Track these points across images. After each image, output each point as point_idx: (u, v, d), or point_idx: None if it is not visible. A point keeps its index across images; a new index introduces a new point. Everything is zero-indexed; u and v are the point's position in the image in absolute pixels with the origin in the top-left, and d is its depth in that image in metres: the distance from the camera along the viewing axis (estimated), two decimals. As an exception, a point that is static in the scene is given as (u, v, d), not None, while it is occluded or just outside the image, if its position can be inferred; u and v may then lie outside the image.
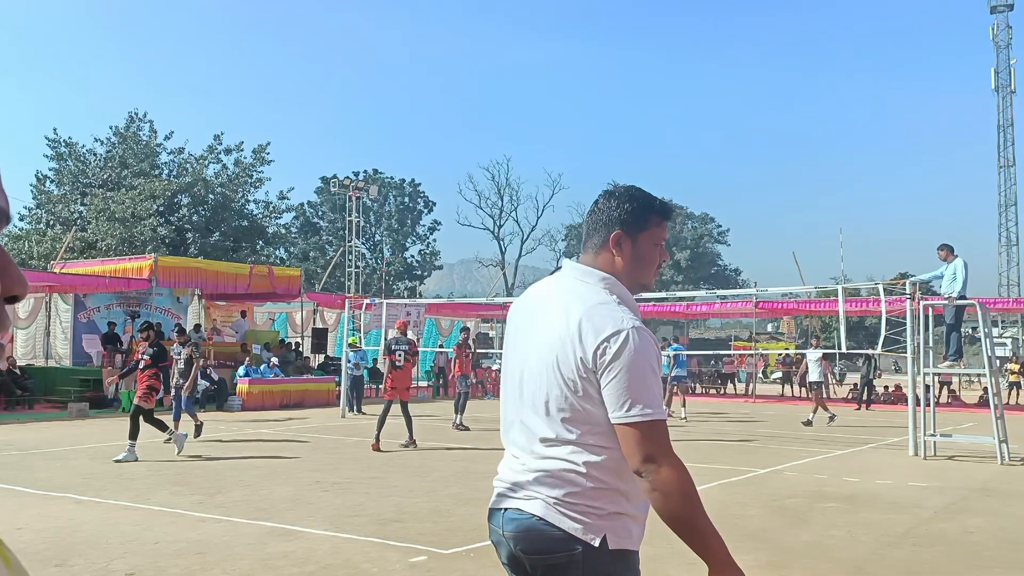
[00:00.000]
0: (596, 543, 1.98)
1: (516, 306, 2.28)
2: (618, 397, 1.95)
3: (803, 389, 29.58)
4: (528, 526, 2.04)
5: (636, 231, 2.14)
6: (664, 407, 2.00)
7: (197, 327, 23.86)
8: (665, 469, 1.91)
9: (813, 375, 18.32)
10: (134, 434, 10.83)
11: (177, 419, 12.76)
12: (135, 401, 11.30)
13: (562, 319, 2.05)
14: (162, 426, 11.38)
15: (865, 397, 23.90)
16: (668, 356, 18.54)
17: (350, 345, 20.15)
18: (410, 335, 27.34)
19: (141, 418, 11.01)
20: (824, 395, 18.67)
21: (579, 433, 2.02)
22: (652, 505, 1.95)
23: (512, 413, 2.17)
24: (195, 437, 12.55)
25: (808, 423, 17.04)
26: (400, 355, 12.97)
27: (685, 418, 18.41)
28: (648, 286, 2.24)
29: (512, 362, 2.20)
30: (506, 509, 2.10)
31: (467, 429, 15.12)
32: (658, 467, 1.91)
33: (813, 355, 18.31)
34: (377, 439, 12.12)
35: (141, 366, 11.55)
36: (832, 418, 17.34)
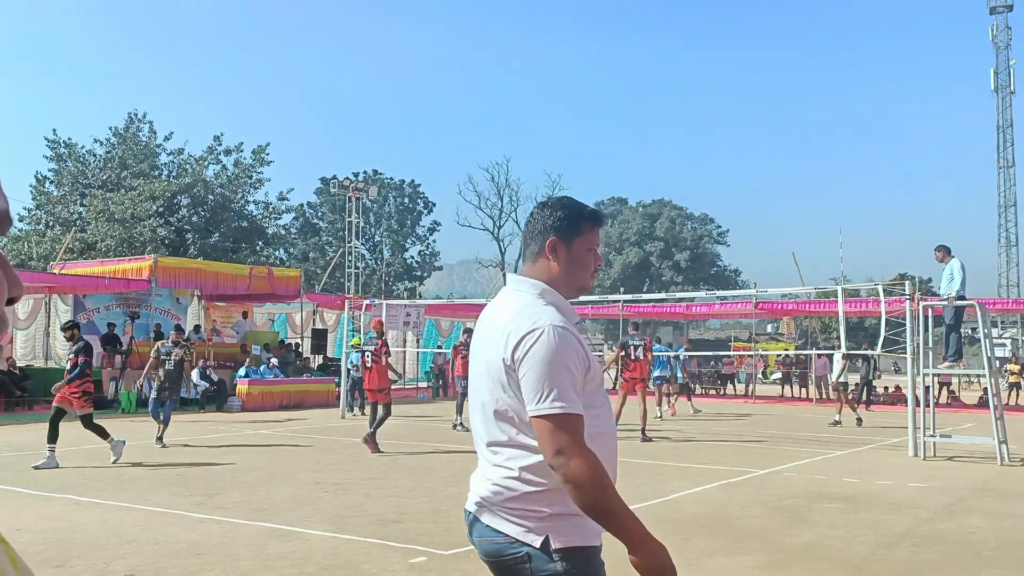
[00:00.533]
0: (538, 544, 2.07)
1: (477, 324, 2.41)
2: (531, 391, 2.03)
3: (804, 390, 29.63)
4: (481, 532, 2.18)
5: (570, 237, 2.27)
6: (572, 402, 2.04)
7: (197, 328, 23.88)
8: (575, 461, 1.97)
9: (840, 375, 18.43)
10: (103, 435, 10.64)
11: (166, 423, 12.52)
12: (77, 411, 10.71)
13: (495, 327, 2.20)
14: (104, 433, 10.68)
15: (864, 397, 23.91)
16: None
17: (353, 346, 20.19)
18: (409, 336, 27.54)
19: (82, 423, 10.71)
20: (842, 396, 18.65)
21: (512, 434, 2.12)
22: (570, 497, 2.01)
23: (472, 423, 2.30)
24: (157, 444, 12.21)
25: (859, 422, 17.37)
26: (368, 356, 12.57)
27: (660, 416, 18.29)
28: (586, 289, 2.36)
29: (471, 376, 2.34)
30: (470, 513, 2.23)
31: (467, 430, 15.10)
32: (568, 459, 1.97)
33: (839, 355, 18.25)
34: (374, 443, 12.07)
35: (69, 367, 10.90)
36: (837, 423, 17.38)
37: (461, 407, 15.74)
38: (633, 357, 14.66)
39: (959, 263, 12.62)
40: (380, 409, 12.36)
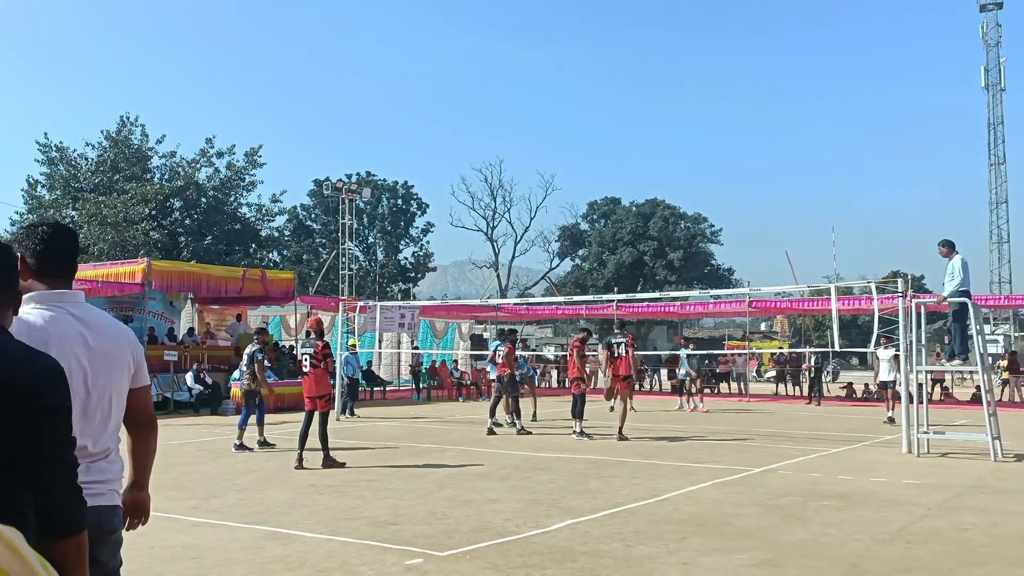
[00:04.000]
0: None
1: (67, 328, 2.74)
2: (146, 374, 2.92)
3: (798, 388, 29.68)
4: (118, 517, 3.06)
5: None
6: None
7: (191, 331, 23.82)
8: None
9: (884, 374, 18.36)
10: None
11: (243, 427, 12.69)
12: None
13: (112, 334, 2.77)
14: None
15: (815, 392, 24.65)
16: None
17: (350, 347, 20.24)
18: (403, 337, 27.48)
19: None
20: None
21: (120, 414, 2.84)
22: (150, 449, 3.06)
23: (101, 413, 2.79)
24: (259, 449, 12.67)
25: (891, 421, 17.19)
26: (306, 359, 11.28)
27: (612, 409, 17.16)
28: None
29: (102, 374, 2.80)
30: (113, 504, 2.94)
31: (496, 429, 14.77)
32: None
33: (885, 354, 18.07)
34: (299, 458, 10.78)
35: None
36: (891, 420, 17.35)
37: (495, 409, 15.19)
38: (616, 355, 14.54)
39: (960, 261, 12.43)
40: (320, 419, 11.03)
